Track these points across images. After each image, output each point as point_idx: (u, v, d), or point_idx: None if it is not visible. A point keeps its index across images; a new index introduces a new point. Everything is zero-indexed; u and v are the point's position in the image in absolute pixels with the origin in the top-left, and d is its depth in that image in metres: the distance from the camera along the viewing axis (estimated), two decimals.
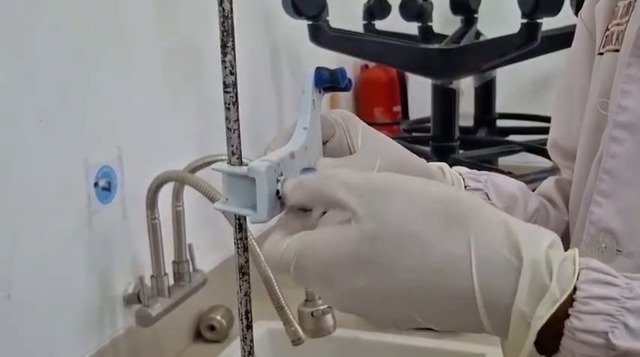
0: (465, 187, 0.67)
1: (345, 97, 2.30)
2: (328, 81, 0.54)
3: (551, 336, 0.42)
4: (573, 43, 0.73)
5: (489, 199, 0.67)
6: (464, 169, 0.69)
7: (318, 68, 0.54)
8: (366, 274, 0.45)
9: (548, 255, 0.43)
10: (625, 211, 0.58)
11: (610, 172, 0.59)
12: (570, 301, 0.42)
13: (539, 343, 0.43)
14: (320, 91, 0.55)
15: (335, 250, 0.45)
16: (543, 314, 0.42)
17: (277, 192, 0.49)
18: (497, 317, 0.43)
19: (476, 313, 0.44)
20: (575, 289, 0.42)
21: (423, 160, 0.62)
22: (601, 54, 0.65)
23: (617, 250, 0.58)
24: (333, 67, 0.55)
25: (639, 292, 0.42)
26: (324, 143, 0.57)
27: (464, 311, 0.44)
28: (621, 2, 0.64)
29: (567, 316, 0.42)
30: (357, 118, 0.59)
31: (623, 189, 0.58)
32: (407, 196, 0.45)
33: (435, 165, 0.66)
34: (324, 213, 0.51)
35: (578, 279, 0.42)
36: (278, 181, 0.49)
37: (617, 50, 0.61)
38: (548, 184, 0.77)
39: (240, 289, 0.52)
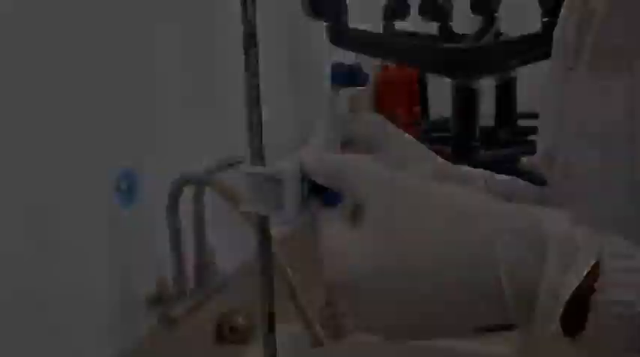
0: None
1: (365, 98, 2.29)
2: (345, 77, 0.54)
3: (575, 314, 0.42)
4: None
5: None
6: None
7: (334, 64, 0.54)
8: (382, 278, 0.45)
9: (572, 229, 0.43)
10: None
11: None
12: (595, 275, 0.42)
13: (562, 326, 0.43)
14: (337, 88, 0.55)
15: (352, 267, 0.45)
16: (572, 282, 0.42)
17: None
18: (523, 297, 0.43)
19: (501, 302, 0.43)
20: (598, 263, 0.42)
21: (456, 166, 0.62)
22: None
23: None
24: None
25: None
26: (347, 144, 0.57)
27: (487, 300, 0.44)
28: None
29: (592, 290, 0.42)
30: (383, 119, 0.59)
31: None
32: (421, 192, 0.46)
33: (466, 169, 0.65)
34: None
35: (601, 252, 0.43)
36: (303, 181, 0.49)
37: None
38: None
39: (262, 292, 0.52)
